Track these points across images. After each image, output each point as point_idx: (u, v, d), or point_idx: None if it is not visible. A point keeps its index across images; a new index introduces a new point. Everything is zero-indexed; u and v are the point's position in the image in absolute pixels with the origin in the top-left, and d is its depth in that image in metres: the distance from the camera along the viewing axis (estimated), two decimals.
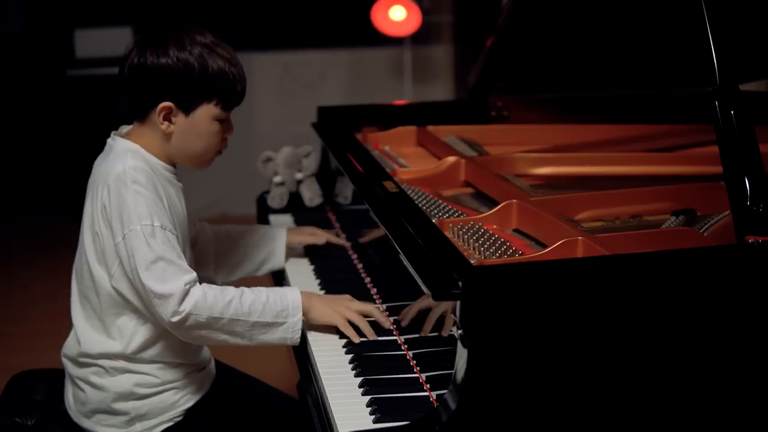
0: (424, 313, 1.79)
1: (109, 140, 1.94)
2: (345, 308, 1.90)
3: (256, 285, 1.93)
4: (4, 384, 2.19)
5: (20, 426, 2.02)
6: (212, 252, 2.21)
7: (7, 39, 5.49)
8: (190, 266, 1.92)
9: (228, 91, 1.89)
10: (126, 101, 1.91)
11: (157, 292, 1.77)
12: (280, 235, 2.29)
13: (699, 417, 1.60)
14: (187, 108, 1.87)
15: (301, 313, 1.86)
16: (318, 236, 2.35)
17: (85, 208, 1.90)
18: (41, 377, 2.16)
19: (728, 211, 1.82)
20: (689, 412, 1.59)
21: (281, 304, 1.85)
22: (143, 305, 1.84)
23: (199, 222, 2.23)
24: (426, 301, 1.77)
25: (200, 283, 1.83)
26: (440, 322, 1.73)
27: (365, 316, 1.91)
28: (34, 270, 4.67)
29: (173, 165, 1.94)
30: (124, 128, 1.96)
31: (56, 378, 2.11)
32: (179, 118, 1.87)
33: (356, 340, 1.86)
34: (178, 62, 1.83)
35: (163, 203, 1.85)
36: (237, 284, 1.92)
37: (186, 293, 1.77)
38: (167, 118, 1.87)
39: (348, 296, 1.95)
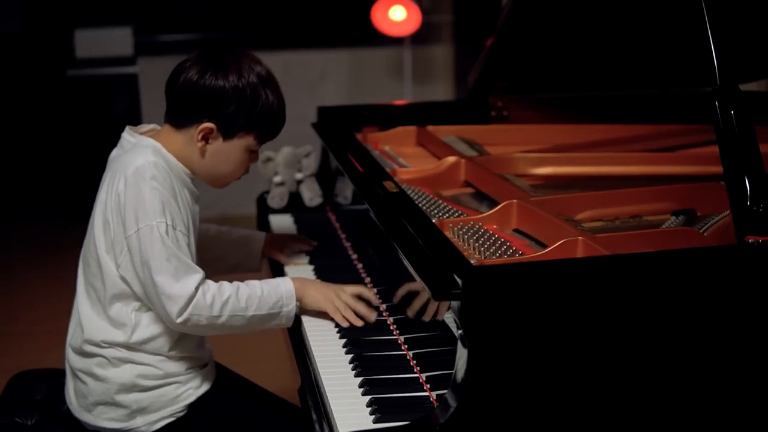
0: (421, 310, 1.79)
1: (125, 135, 1.96)
2: (335, 295, 1.96)
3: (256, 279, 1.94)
4: (4, 384, 2.19)
5: (20, 426, 2.02)
6: None
7: (7, 39, 5.50)
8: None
9: (269, 128, 1.96)
10: (168, 105, 1.94)
11: (167, 292, 1.81)
12: (258, 239, 2.33)
13: (699, 417, 1.60)
14: (227, 134, 1.92)
15: (294, 302, 1.93)
16: (293, 247, 2.37)
17: (99, 195, 1.93)
18: (41, 377, 2.16)
19: (728, 211, 1.82)
20: (689, 411, 1.59)
21: (275, 295, 1.91)
22: (146, 297, 1.87)
23: None
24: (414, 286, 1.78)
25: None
26: (435, 320, 1.73)
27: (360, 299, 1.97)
28: (34, 270, 4.67)
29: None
30: (143, 126, 1.99)
31: (56, 378, 2.11)
32: (217, 141, 1.92)
33: (345, 324, 1.93)
34: (233, 89, 1.88)
35: (177, 203, 1.88)
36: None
37: (193, 297, 1.82)
38: (205, 137, 1.91)
39: (341, 286, 2.00)
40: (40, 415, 2.05)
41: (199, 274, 1.84)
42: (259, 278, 2.07)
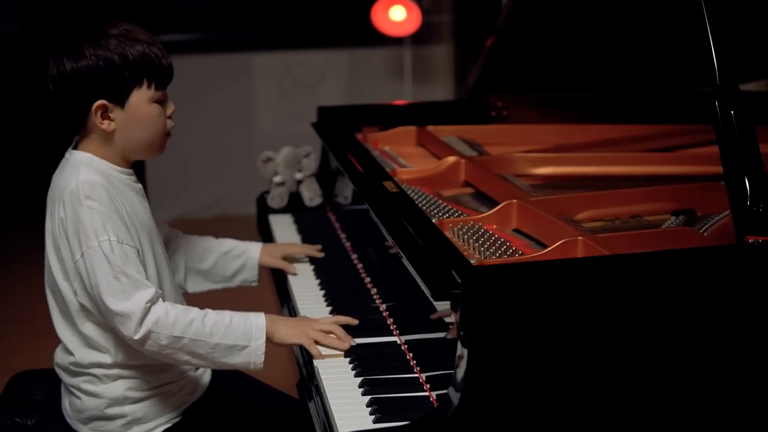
0: (420, 314, 1.79)
1: (66, 153, 1.92)
2: (309, 328, 1.87)
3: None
4: (4, 384, 2.19)
5: (20, 426, 2.02)
6: (182, 260, 2.20)
7: (7, 39, 5.50)
8: (160, 271, 1.91)
9: (154, 70, 1.86)
10: (60, 116, 1.89)
11: (116, 311, 1.75)
12: (253, 250, 2.26)
13: (699, 417, 1.60)
14: (120, 100, 1.84)
15: (264, 337, 1.83)
16: (293, 252, 2.31)
17: (46, 223, 1.88)
18: (41, 377, 2.16)
19: (728, 211, 1.82)
20: (689, 411, 1.59)
21: (244, 327, 1.82)
22: (104, 319, 1.83)
23: (172, 229, 2.21)
24: None
25: (164, 301, 1.80)
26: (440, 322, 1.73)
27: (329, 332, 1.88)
28: (34, 270, 4.65)
29: (130, 167, 1.92)
30: (77, 137, 1.94)
31: (56, 378, 2.10)
32: (116, 113, 1.85)
33: (320, 357, 1.83)
34: (97, 59, 1.81)
35: (120, 215, 1.82)
36: (217, 302, 1.91)
37: (146, 311, 1.76)
38: (105, 116, 1.85)
39: (313, 318, 1.92)
40: (40, 415, 2.04)
41: (150, 288, 1.77)
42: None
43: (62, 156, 1.95)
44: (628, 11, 2.61)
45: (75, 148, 1.92)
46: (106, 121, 1.85)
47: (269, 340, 1.85)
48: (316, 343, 1.85)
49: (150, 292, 1.77)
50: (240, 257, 2.25)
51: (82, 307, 1.85)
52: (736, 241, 1.65)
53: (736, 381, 1.60)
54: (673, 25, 2.55)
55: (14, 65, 5.51)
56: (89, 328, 1.87)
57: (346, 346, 1.84)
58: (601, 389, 1.55)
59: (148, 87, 1.85)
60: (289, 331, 1.86)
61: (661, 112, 2.88)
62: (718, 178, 2.00)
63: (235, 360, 1.82)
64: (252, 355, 1.82)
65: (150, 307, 1.76)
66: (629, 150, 2.52)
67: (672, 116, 2.83)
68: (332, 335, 1.86)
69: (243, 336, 1.81)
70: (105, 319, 1.82)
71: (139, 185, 1.94)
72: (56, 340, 2.02)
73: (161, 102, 1.88)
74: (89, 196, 1.80)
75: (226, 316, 1.82)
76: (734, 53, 1.75)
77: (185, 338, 1.77)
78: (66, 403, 1.99)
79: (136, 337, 1.75)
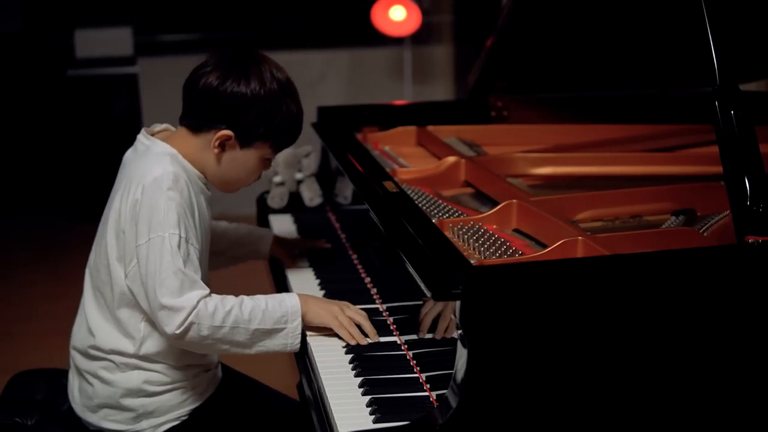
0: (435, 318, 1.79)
1: (140, 137, 1.93)
2: (339, 311, 1.90)
3: (257, 290, 1.92)
4: (4, 384, 2.19)
5: (20, 426, 2.02)
6: None
7: (7, 39, 5.50)
8: (205, 276, 1.92)
9: (286, 138, 1.92)
10: (185, 108, 1.90)
11: (166, 305, 1.76)
12: (266, 240, 2.30)
13: (699, 417, 1.60)
14: (245, 142, 1.88)
15: (300, 319, 1.86)
16: (302, 248, 2.34)
17: (113, 203, 1.88)
18: (41, 377, 2.16)
19: (728, 211, 1.82)
20: (689, 411, 1.59)
21: (280, 310, 1.84)
22: (148, 308, 1.84)
23: None
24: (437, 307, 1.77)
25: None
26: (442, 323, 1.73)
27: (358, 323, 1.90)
28: (35, 270, 4.67)
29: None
30: (157, 126, 1.96)
31: (56, 378, 2.11)
32: (233, 149, 1.88)
33: (352, 342, 1.86)
34: (254, 98, 1.84)
35: (193, 215, 1.85)
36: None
37: (194, 309, 1.76)
38: (222, 144, 1.87)
39: (345, 302, 1.94)
40: (40, 415, 2.05)
41: (205, 290, 1.79)
42: (262, 283, 2.06)
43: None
44: (628, 11, 2.61)
45: (153, 134, 1.92)
46: (218, 149, 1.88)
47: (302, 318, 1.88)
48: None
49: (203, 293, 1.79)
50: (251, 244, 2.29)
51: (129, 289, 1.86)
52: (736, 241, 1.65)
53: (736, 381, 1.60)
54: (673, 25, 2.55)
55: (14, 65, 5.51)
56: (125, 313, 1.88)
57: (363, 342, 1.86)
58: (601, 389, 1.55)
59: (270, 146, 1.90)
60: (320, 312, 1.89)
61: (661, 112, 2.89)
62: (718, 178, 2.00)
63: (273, 343, 1.85)
64: (288, 337, 1.85)
65: (198, 305, 1.77)
66: (629, 150, 2.52)
67: (672, 116, 2.83)
68: (355, 328, 1.88)
69: (280, 319, 1.84)
70: (148, 308, 1.82)
71: (210, 193, 1.96)
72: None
73: (267, 160, 1.93)
74: (172, 187, 1.81)
75: (261, 300, 1.85)
76: (734, 53, 1.75)
77: (225, 327, 1.79)
78: (75, 389, 1.99)
79: (178, 331, 1.76)
